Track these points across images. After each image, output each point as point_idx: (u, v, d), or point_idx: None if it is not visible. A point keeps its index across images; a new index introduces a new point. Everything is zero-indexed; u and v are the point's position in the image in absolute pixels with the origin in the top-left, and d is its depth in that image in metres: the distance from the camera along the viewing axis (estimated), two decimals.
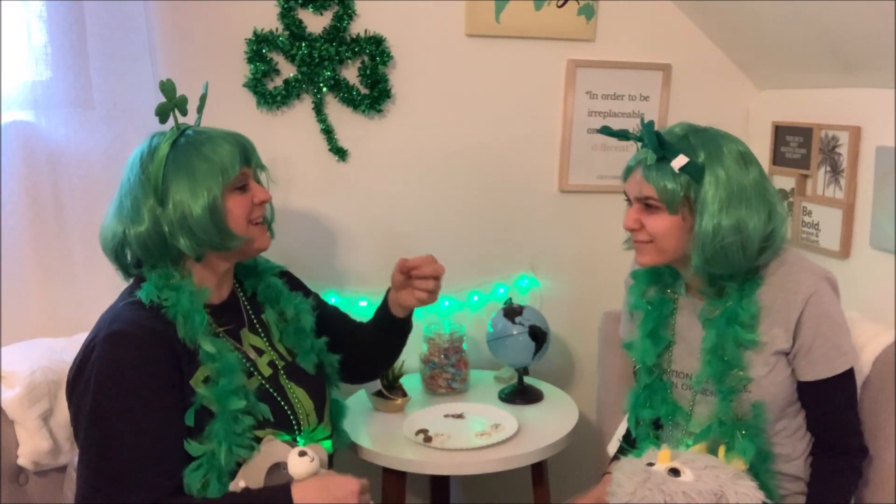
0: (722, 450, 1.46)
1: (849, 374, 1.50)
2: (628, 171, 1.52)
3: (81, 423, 1.37)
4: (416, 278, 1.69)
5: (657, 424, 1.67)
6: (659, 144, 1.44)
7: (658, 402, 1.63)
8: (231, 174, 1.46)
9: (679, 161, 1.42)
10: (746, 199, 1.43)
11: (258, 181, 1.57)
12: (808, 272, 1.49)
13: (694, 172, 1.43)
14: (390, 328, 1.78)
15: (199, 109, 1.58)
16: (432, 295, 1.70)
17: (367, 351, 1.82)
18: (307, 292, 1.77)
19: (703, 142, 1.45)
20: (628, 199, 1.54)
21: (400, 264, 1.70)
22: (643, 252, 1.52)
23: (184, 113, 1.51)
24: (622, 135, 1.54)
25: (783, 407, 1.53)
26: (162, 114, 1.48)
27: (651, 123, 1.46)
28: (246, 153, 1.51)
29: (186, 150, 1.45)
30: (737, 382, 1.49)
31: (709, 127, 1.51)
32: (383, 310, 1.78)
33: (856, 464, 1.53)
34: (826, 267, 1.53)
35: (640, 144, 1.50)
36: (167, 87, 1.49)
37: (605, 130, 1.55)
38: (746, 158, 1.47)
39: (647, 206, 1.48)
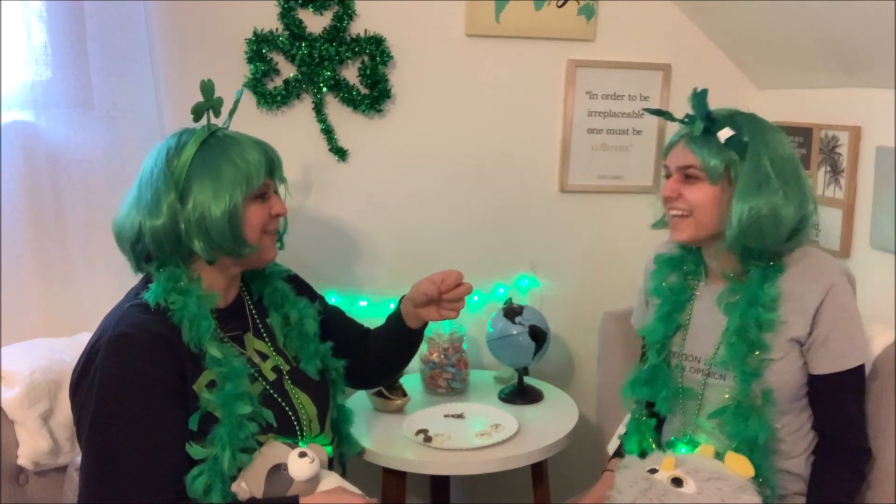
0: (729, 456, 1.46)
1: (860, 371, 1.52)
2: (670, 146, 1.58)
3: (85, 426, 1.37)
4: (448, 300, 1.69)
5: (651, 410, 1.69)
6: (707, 116, 1.49)
7: (659, 385, 1.64)
8: (255, 183, 1.46)
9: (725, 133, 1.47)
10: (784, 182, 1.47)
11: (277, 193, 1.57)
12: (829, 264, 1.53)
13: (738, 146, 1.47)
14: (405, 339, 1.77)
15: (231, 113, 1.57)
16: (458, 312, 1.71)
17: (377, 359, 1.81)
18: (313, 297, 1.75)
19: (748, 122, 1.51)
20: (668, 174, 1.57)
21: (433, 285, 1.67)
22: (680, 228, 1.55)
23: (217, 115, 1.52)
24: (667, 115, 1.61)
25: (790, 399, 1.53)
26: (197, 112, 1.49)
27: (704, 92, 1.51)
28: (272, 164, 1.52)
29: (215, 152, 1.45)
30: (758, 364, 1.51)
31: (754, 113, 1.56)
32: (397, 321, 1.76)
33: (859, 466, 1.53)
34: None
35: (683, 125, 1.56)
36: (207, 88, 1.50)
37: (650, 110, 1.68)
38: (787, 146, 1.51)
39: (686, 176, 1.52)
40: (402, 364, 1.85)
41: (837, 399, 1.52)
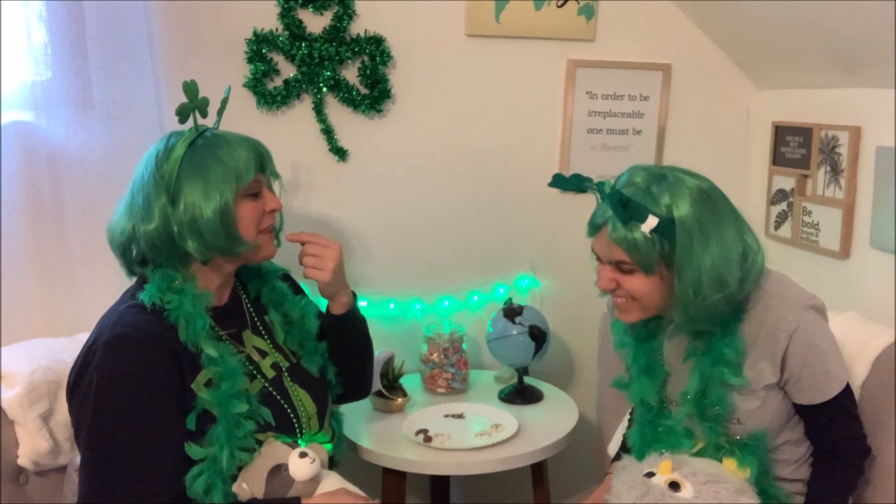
0: (727, 460, 1.45)
1: (843, 392, 1.49)
2: (594, 228, 1.44)
3: (83, 427, 1.37)
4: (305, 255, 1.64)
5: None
6: (623, 207, 1.36)
7: (664, 434, 1.55)
8: (245, 180, 1.46)
9: (649, 224, 1.35)
10: (720, 240, 1.38)
11: (271, 189, 1.57)
12: (788, 306, 1.44)
13: (665, 231, 1.36)
14: (334, 329, 1.71)
15: (220, 112, 1.57)
16: (320, 272, 1.62)
17: (338, 362, 1.73)
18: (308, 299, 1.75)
19: (665, 189, 1.38)
20: (598, 258, 1.47)
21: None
22: (627, 311, 1.48)
23: (203, 115, 1.51)
24: (578, 186, 1.46)
25: (782, 426, 1.52)
26: (182, 114, 1.48)
27: (614, 192, 1.37)
28: (261, 160, 1.51)
29: (203, 152, 1.45)
30: (719, 415, 1.47)
31: (667, 168, 1.44)
32: (327, 316, 1.71)
33: (856, 463, 1.53)
34: (809, 291, 1.48)
35: (599, 196, 1.43)
36: (190, 88, 1.49)
37: (556, 181, 1.49)
38: (712, 195, 1.41)
39: (621, 270, 1.43)
40: (353, 359, 1.75)
41: (826, 420, 1.50)
